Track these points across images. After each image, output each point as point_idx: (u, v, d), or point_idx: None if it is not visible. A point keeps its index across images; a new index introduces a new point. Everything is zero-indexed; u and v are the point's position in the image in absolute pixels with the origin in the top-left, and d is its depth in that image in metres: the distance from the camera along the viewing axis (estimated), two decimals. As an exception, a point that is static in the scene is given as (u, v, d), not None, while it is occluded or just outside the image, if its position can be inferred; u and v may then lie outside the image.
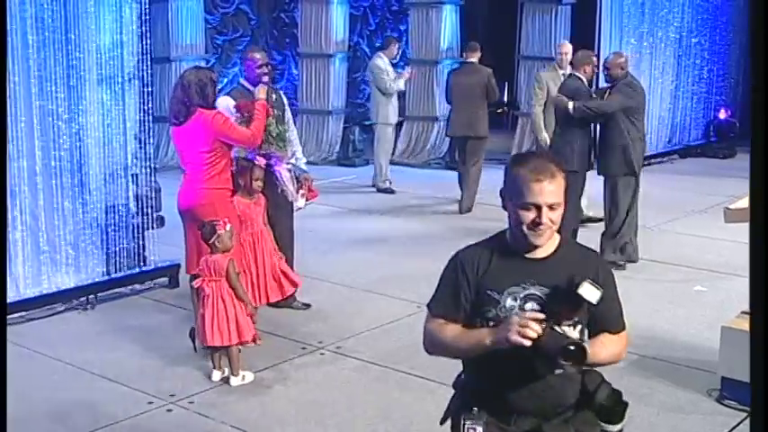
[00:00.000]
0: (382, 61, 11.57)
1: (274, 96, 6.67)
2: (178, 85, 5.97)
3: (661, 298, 7.15)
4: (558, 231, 2.96)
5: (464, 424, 2.96)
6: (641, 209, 8.28)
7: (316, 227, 9.35)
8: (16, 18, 6.33)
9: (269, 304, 6.43)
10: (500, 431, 2.94)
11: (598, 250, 7.59)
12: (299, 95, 14.43)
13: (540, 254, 2.94)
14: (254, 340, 5.68)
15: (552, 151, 8.52)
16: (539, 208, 2.84)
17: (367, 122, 12.41)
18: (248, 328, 5.54)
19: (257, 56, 6.64)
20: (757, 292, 2.90)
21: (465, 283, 2.96)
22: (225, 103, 6.26)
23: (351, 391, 5.51)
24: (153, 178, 7.47)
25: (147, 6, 7.27)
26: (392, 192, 11.61)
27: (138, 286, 7.31)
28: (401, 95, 12.59)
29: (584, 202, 9.26)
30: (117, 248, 7.18)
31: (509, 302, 2.89)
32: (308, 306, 6.91)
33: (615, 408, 2.82)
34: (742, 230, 4.04)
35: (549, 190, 2.84)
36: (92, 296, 6.94)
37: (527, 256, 2.94)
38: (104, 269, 7.12)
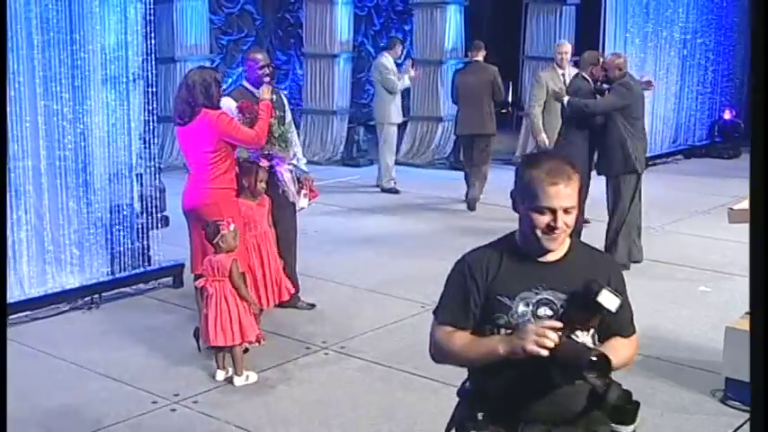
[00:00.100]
0: (388, 61, 11.59)
1: (275, 97, 6.67)
2: (182, 85, 5.98)
3: (665, 298, 7.15)
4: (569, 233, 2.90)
5: None
6: (645, 209, 8.28)
7: (320, 227, 9.36)
8: (21, 18, 6.35)
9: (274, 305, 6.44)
10: None
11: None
12: (303, 95, 14.45)
13: (551, 257, 2.85)
14: (258, 340, 5.69)
15: (556, 149, 8.56)
16: (554, 212, 2.75)
17: (371, 123, 12.41)
18: (251, 328, 5.55)
19: (259, 57, 6.64)
20: (757, 292, 2.89)
21: (474, 288, 2.84)
22: (226, 104, 6.26)
23: (354, 391, 5.51)
24: (157, 178, 7.48)
25: (152, 7, 7.29)
26: (397, 192, 11.62)
27: (142, 286, 7.32)
28: (405, 95, 12.60)
29: None
30: (121, 248, 7.18)
31: (521, 308, 2.79)
32: (312, 306, 6.92)
33: (627, 407, 2.72)
34: (746, 231, 4.03)
35: (566, 193, 2.75)
36: (96, 296, 6.95)
37: (538, 259, 2.85)
38: (109, 269, 7.13)
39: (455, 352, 2.86)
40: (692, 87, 15.01)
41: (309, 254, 8.00)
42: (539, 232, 2.78)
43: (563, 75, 9.96)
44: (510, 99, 14.99)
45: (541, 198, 2.75)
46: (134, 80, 7.15)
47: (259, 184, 6.23)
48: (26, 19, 6.38)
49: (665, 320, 6.61)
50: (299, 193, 6.67)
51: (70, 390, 5.45)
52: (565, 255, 2.87)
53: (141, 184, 7.33)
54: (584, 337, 2.77)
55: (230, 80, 13.55)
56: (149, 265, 7.41)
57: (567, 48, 10.11)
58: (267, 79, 6.49)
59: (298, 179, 6.73)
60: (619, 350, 2.84)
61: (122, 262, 7.21)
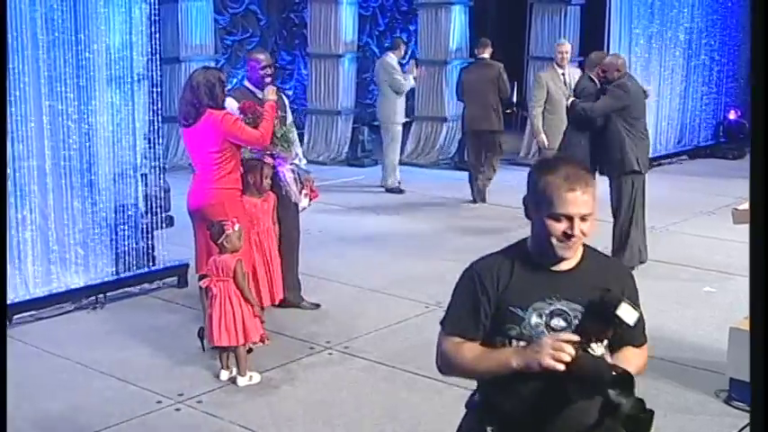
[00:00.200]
0: (394, 60, 11.62)
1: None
2: (187, 86, 5.98)
3: (669, 298, 7.14)
4: None
5: None
6: (650, 210, 8.27)
7: (324, 227, 9.36)
8: (26, 18, 6.36)
9: (276, 305, 6.44)
10: None
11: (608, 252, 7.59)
12: (308, 96, 14.47)
13: (564, 266, 2.74)
14: (262, 340, 5.70)
15: (561, 150, 8.57)
16: (570, 219, 2.65)
17: (375, 123, 12.42)
18: (255, 329, 5.55)
19: (261, 57, 6.63)
20: (757, 292, 2.88)
21: (485, 298, 2.72)
22: (228, 104, 6.26)
23: (358, 391, 5.52)
24: (162, 178, 7.49)
25: (157, 7, 7.29)
26: (401, 191, 11.64)
27: (147, 286, 7.33)
28: (410, 96, 12.61)
29: None
30: (126, 248, 7.19)
31: (534, 319, 2.68)
32: (317, 306, 6.92)
33: (641, 417, 2.59)
34: (750, 232, 4.03)
35: (583, 200, 2.65)
36: (101, 295, 6.96)
37: (551, 268, 2.74)
38: (113, 269, 7.13)
39: (464, 364, 2.75)
40: (696, 88, 14.99)
41: (313, 254, 8.01)
42: (554, 240, 2.68)
43: (563, 74, 9.98)
44: (515, 99, 15.00)
45: (558, 205, 2.65)
46: (139, 80, 7.16)
47: (265, 181, 6.24)
48: (31, 19, 6.40)
49: (670, 321, 6.61)
50: (300, 192, 6.67)
51: (75, 389, 5.46)
52: (578, 264, 2.76)
53: (146, 184, 7.34)
54: (599, 349, 2.67)
55: (235, 80, 13.56)
56: (154, 264, 7.42)
57: (567, 47, 10.14)
58: (269, 80, 6.49)
59: (299, 179, 6.73)
60: (632, 361, 2.75)
61: (127, 262, 7.21)
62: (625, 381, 2.53)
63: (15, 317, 6.42)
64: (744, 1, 15.32)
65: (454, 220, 10.12)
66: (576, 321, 2.68)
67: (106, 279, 7.06)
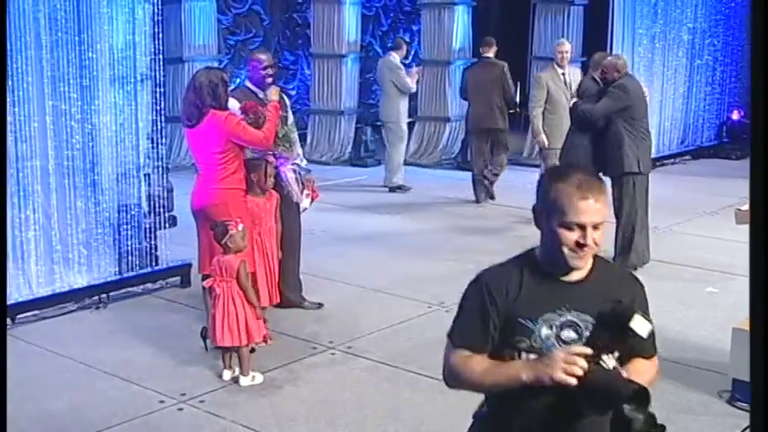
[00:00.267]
0: (397, 59, 11.65)
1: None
2: (190, 86, 5.99)
3: (672, 299, 7.13)
4: None
5: None
6: (653, 210, 8.26)
7: (327, 227, 9.37)
8: (30, 18, 6.37)
9: (277, 305, 6.44)
10: None
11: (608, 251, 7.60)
12: (311, 96, 14.48)
13: (574, 276, 2.68)
14: (265, 340, 5.70)
15: (564, 152, 8.57)
16: (583, 228, 2.59)
17: (378, 123, 12.42)
18: (258, 330, 5.55)
19: (262, 57, 6.61)
20: (757, 292, 2.87)
21: (494, 310, 2.65)
22: (230, 105, 6.26)
23: (361, 391, 5.52)
24: (165, 178, 7.50)
25: (160, 7, 7.30)
26: (407, 190, 11.66)
27: (149, 286, 7.33)
28: (413, 96, 12.62)
29: None
30: (129, 248, 7.20)
31: (544, 331, 2.62)
32: (320, 305, 6.92)
33: None
34: (753, 232, 4.03)
35: (596, 209, 2.59)
36: (104, 295, 6.97)
37: (561, 278, 2.68)
38: (116, 268, 7.14)
39: (472, 378, 2.68)
40: (700, 88, 14.97)
41: (316, 253, 8.01)
42: (566, 250, 2.61)
43: (563, 74, 9.98)
44: (518, 99, 15.01)
45: (570, 213, 2.59)
46: (142, 80, 7.17)
47: (268, 180, 6.25)
48: (34, 19, 6.41)
49: (673, 321, 6.60)
50: (301, 192, 6.68)
51: (78, 389, 5.47)
52: (588, 274, 2.70)
53: (149, 184, 7.35)
54: (610, 361, 2.60)
55: (238, 80, 13.57)
56: (157, 264, 7.43)
57: (567, 47, 10.14)
58: (270, 80, 6.49)
59: (300, 179, 6.73)
60: (643, 374, 2.69)
61: (130, 262, 7.22)
62: (641, 396, 2.47)
63: (19, 316, 6.43)
64: (747, 1, 15.30)
65: (457, 220, 10.12)
66: (587, 333, 2.62)
67: (109, 279, 7.07)
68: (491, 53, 11.02)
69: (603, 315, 2.60)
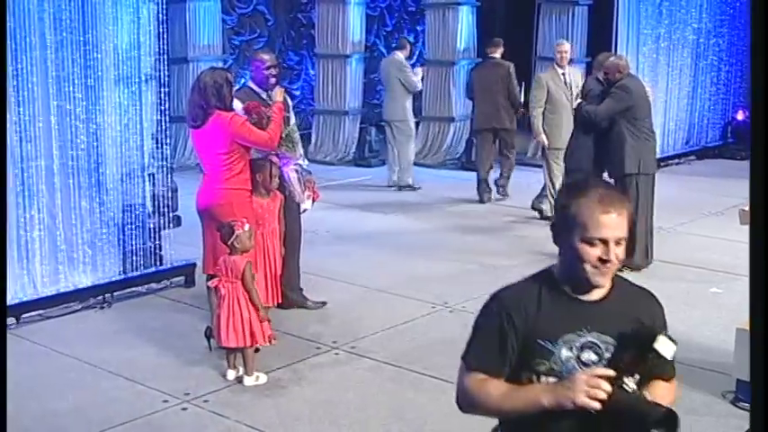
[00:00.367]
0: (403, 58, 11.70)
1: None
2: (195, 87, 5.99)
3: (676, 299, 7.12)
4: None
5: None
6: (657, 210, 8.25)
7: (331, 227, 9.38)
8: (34, 18, 6.38)
9: (279, 305, 6.44)
10: None
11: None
12: (315, 96, 14.49)
13: (594, 295, 2.58)
14: (269, 340, 5.70)
15: (568, 152, 8.58)
16: (606, 243, 2.50)
17: (383, 123, 12.43)
18: (261, 332, 5.53)
19: (266, 57, 6.61)
20: (757, 292, 2.86)
21: (512, 331, 2.54)
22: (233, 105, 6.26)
23: (365, 391, 5.52)
24: (170, 178, 7.51)
25: (165, 7, 7.31)
26: (417, 188, 11.73)
27: (154, 285, 7.34)
28: (417, 96, 12.64)
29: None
30: (134, 248, 7.21)
31: (564, 353, 2.52)
32: (324, 304, 6.92)
33: None
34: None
35: (618, 223, 2.51)
36: (108, 295, 6.98)
37: (581, 297, 2.58)
38: (121, 268, 7.16)
39: (489, 403, 2.56)
40: (705, 88, 14.95)
41: (320, 254, 8.02)
42: (588, 266, 2.52)
43: (563, 74, 9.99)
44: (523, 99, 15.01)
45: (592, 228, 2.49)
46: (146, 80, 7.18)
47: (273, 180, 6.25)
48: (39, 19, 6.42)
49: (677, 322, 6.55)
50: (303, 193, 6.68)
51: (82, 388, 5.48)
52: (608, 293, 2.60)
53: (153, 184, 7.36)
54: (630, 384, 2.50)
55: (243, 80, 13.58)
56: (161, 264, 7.44)
57: (566, 47, 10.17)
58: (274, 80, 6.49)
59: (302, 180, 6.73)
60: (663, 397, 2.60)
61: (134, 261, 7.23)
62: (670, 420, 2.41)
63: (23, 316, 6.45)
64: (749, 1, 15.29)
65: (461, 220, 10.12)
66: (608, 355, 2.53)
67: (114, 278, 7.08)
68: (498, 54, 11.09)
69: (626, 336, 2.51)
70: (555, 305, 2.57)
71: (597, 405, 2.38)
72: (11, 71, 6.26)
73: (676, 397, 2.81)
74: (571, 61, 10.64)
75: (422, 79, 12.02)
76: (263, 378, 5.59)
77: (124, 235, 7.15)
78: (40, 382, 5.48)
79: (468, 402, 2.64)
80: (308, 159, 7.38)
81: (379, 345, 6.24)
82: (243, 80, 13.45)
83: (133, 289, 7.20)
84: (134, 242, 7.21)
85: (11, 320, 6.31)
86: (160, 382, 5.55)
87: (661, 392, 2.62)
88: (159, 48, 7.24)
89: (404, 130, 11.75)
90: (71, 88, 6.66)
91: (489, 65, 11.14)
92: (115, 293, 7.04)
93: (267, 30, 15.54)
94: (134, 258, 7.23)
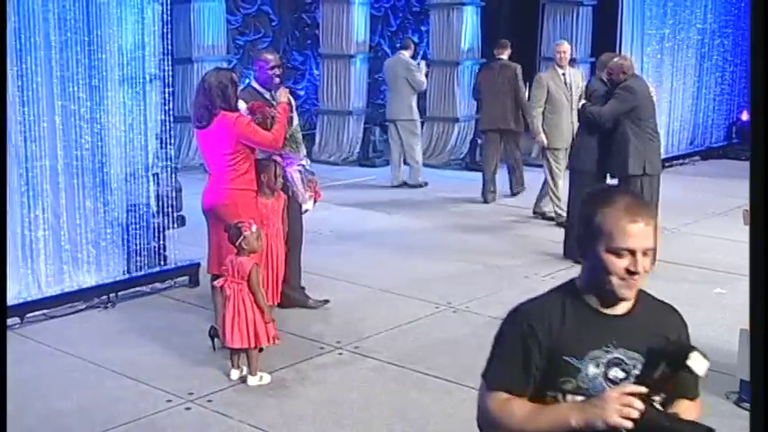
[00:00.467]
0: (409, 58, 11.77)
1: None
2: (200, 88, 5.99)
3: (680, 300, 7.00)
4: None
5: None
6: (662, 210, 8.22)
7: (335, 227, 9.38)
8: (39, 18, 6.39)
9: (281, 305, 6.45)
10: None
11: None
12: (319, 96, 14.50)
13: (620, 309, 2.49)
14: (272, 340, 5.70)
15: (573, 152, 8.58)
16: (633, 253, 2.41)
17: (386, 122, 12.44)
18: (265, 333, 5.54)
19: (270, 57, 6.61)
20: (757, 292, 2.85)
21: (536, 347, 2.44)
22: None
23: (368, 391, 5.53)
24: (174, 178, 7.52)
25: (169, 7, 7.32)
26: (425, 184, 11.85)
27: (158, 285, 7.35)
28: (421, 96, 12.66)
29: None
30: (138, 247, 7.23)
31: (591, 370, 2.43)
32: (326, 302, 6.93)
33: None
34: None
35: (646, 232, 2.41)
36: (112, 294, 6.99)
37: (606, 311, 2.49)
38: (125, 268, 7.17)
39: (512, 424, 2.44)
40: (709, 88, 14.95)
41: (323, 253, 8.03)
42: (614, 279, 2.42)
43: (563, 74, 10.01)
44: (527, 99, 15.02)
45: (619, 238, 2.40)
46: (151, 80, 7.19)
47: (278, 180, 6.26)
48: (44, 19, 6.43)
49: (680, 322, 6.58)
50: (305, 193, 6.68)
51: (86, 388, 5.48)
52: (632, 307, 2.51)
53: (158, 184, 7.37)
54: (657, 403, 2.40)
55: (247, 81, 13.59)
56: (165, 264, 7.45)
57: (566, 47, 10.19)
58: (278, 80, 6.49)
59: (305, 180, 6.73)
60: (691, 416, 2.49)
61: (139, 261, 7.25)
62: None
63: (28, 315, 6.46)
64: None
65: (465, 220, 10.12)
66: (636, 372, 2.43)
67: (118, 278, 7.09)
68: (505, 55, 11.17)
69: (655, 352, 2.40)
70: (579, 319, 2.47)
71: (629, 424, 2.29)
72: (16, 71, 6.28)
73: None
74: (574, 61, 10.65)
75: (426, 75, 12.07)
76: (266, 378, 5.60)
77: (128, 235, 7.16)
78: (44, 382, 5.49)
79: (489, 423, 2.52)
80: (312, 159, 7.40)
81: (383, 345, 6.24)
82: (247, 80, 13.50)
83: (137, 289, 7.22)
84: (138, 242, 7.22)
85: (15, 320, 6.33)
86: (164, 381, 5.56)
87: (687, 412, 2.50)
88: (164, 48, 7.25)
89: (410, 129, 11.84)
90: (75, 88, 6.68)
91: (497, 66, 11.17)
92: (119, 293, 7.05)
93: (271, 30, 15.54)
94: (138, 258, 7.24)
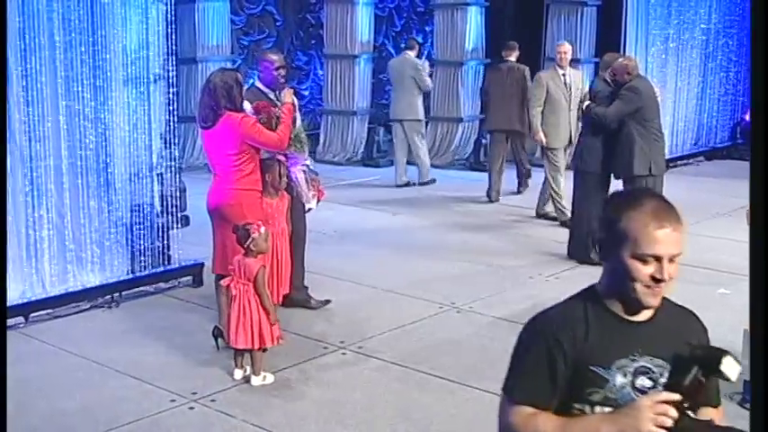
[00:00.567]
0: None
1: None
2: (205, 89, 6.00)
3: (684, 300, 7.06)
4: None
5: None
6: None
7: (338, 227, 9.39)
8: (43, 18, 6.40)
9: (284, 305, 6.45)
10: None
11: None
12: (324, 96, 14.50)
13: (643, 316, 2.41)
14: (277, 341, 5.71)
15: (577, 152, 8.57)
16: (659, 260, 2.32)
17: (391, 122, 12.46)
18: (270, 334, 5.54)
19: (274, 57, 6.62)
20: (757, 292, 2.85)
21: (561, 357, 2.33)
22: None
23: (372, 391, 5.53)
24: (178, 178, 7.53)
25: (174, 7, 7.33)
26: (434, 181, 11.94)
27: (162, 285, 7.36)
28: (425, 96, 12.67)
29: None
30: (142, 247, 7.24)
31: (619, 380, 2.34)
32: (327, 302, 6.93)
33: None
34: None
35: (674, 238, 2.33)
36: (116, 294, 7.00)
37: (630, 318, 2.40)
38: (129, 268, 7.18)
39: None
40: (713, 89, 14.94)
41: (328, 253, 8.04)
42: (638, 286, 2.34)
43: (563, 75, 10.02)
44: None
45: (645, 244, 2.31)
46: (155, 80, 7.20)
47: (282, 180, 6.26)
48: (48, 19, 6.44)
49: (684, 323, 6.58)
50: (309, 193, 6.69)
51: (90, 388, 5.50)
52: (655, 313, 2.42)
53: (162, 184, 7.38)
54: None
55: (251, 81, 13.60)
56: (169, 264, 7.46)
57: (567, 47, 10.21)
58: (283, 80, 6.50)
59: (308, 180, 6.74)
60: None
61: (143, 261, 7.26)
62: None
63: (32, 315, 6.47)
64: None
65: (469, 220, 10.13)
66: (663, 379, 2.35)
67: (122, 278, 7.10)
68: (513, 57, 11.22)
69: (684, 358, 2.31)
70: (603, 328, 2.38)
71: None
72: (20, 71, 6.29)
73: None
74: (576, 62, 10.67)
75: (429, 75, 12.10)
76: (270, 378, 5.60)
77: (132, 234, 7.17)
78: (48, 381, 5.50)
79: None
80: (317, 159, 7.41)
81: (387, 345, 6.24)
82: (251, 81, 13.51)
83: (141, 288, 7.23)
84: (142, 242, 7.23)
85: (20, 319, 6.35)
86: (167, 381, 5.57)
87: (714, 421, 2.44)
88: (168, 48, 7.26)
89: (417, 128, 11.93)
90: (80, 88, 6.69)
91: (505, 68, 11.22)
92: (123, 293, 7.06)
93: (276, 30, 15.55)
94: (142, 258, 7.25)
